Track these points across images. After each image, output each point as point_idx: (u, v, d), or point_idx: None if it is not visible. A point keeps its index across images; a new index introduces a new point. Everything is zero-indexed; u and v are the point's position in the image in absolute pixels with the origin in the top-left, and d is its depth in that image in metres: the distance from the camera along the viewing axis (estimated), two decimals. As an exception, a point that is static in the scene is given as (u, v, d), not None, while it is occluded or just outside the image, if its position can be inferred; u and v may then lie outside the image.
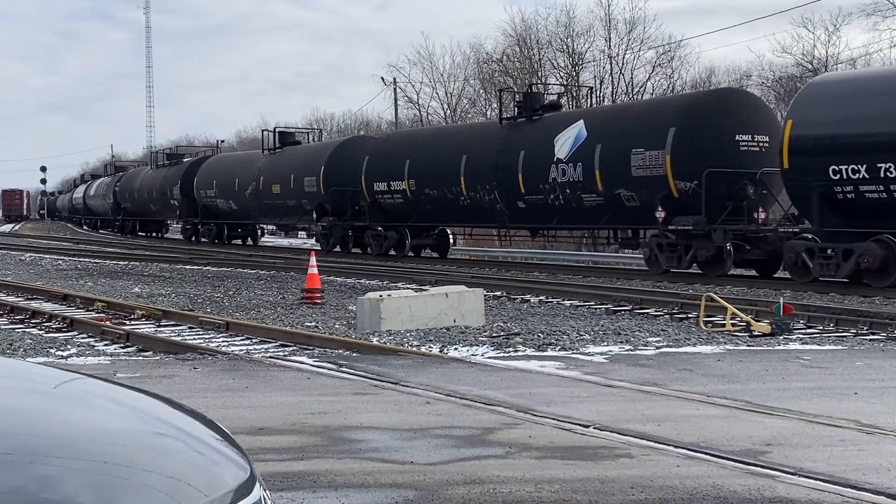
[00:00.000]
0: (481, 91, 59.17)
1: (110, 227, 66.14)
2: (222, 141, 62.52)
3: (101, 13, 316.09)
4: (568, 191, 24.52)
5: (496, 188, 26.63)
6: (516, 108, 28.70)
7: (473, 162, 27.47)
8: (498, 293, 17.98)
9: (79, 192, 76.76)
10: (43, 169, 74.35)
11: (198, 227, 46.37)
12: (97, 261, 29.20)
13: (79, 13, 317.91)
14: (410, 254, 31.04)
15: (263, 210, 39.43)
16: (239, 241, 44.86)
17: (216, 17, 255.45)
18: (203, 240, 46.04)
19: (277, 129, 42.36)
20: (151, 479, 1.90)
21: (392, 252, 31.33)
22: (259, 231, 46.85)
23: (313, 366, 9.08)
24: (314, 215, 34.73)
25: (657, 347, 10.74)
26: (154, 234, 57.95)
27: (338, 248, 34.09)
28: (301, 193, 35.42)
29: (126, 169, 67.18)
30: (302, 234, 53.69)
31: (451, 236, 33.28)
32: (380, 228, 31.81)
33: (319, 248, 34.45)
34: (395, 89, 59.00)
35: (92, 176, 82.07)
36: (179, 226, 65.53)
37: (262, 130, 43.83)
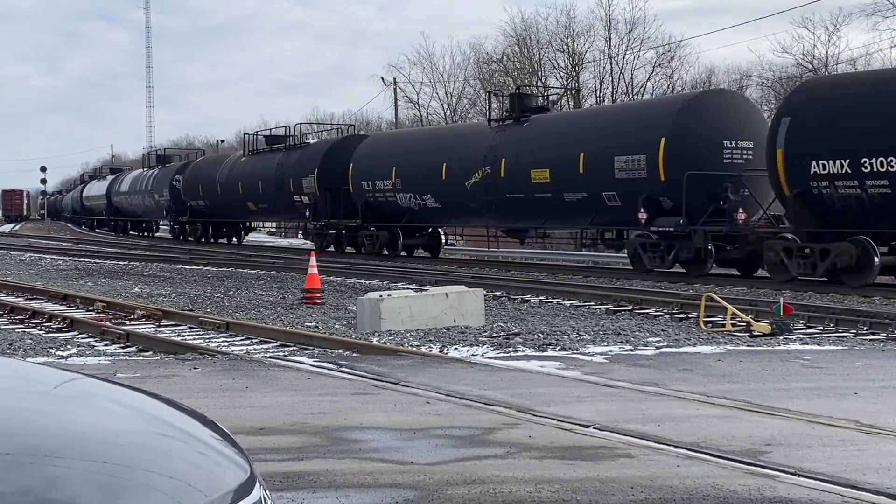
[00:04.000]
0: (481, 91, 59.20)
1: (142, 230, 57.20)
2: (222, 141, 60.90)
3: (103, 14, 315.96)
4: None
5: None
6: None
7: None
8: (498, 293, 17.97)
9: (94, 190, 67.25)
10: (43, 169, 74.03)
11: (342, 230, 32.93)
12: (97, 261, 29.20)
13: (81, 14, 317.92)
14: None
15: (503, 208, 26.27)
16: (403, 253, 30.96)
17: (218, 17, 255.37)
18: (349, 250, 32.55)
19: (520, 91, 29.78)
20: (152, 479, 1.90)
21: (844, 281, 17.91)
22: (444, 238, 33.47)
23: (313, 366, 9.08)
24: (640, 215, 21.97)
25: (657, 347, 10.74)
26: (229, 241, 44.77)
27: (678, 268, 21.67)
28: (603, 181, 23.08)
29: (171, 160, 54.58)
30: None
31: None
32: (790, 237, 19.23)
33: (633, 266, 22.92)
34: (395, 89, 59.02)
35: (111, 170, 72.91)
36: (269, 228, 56.06)
37: (488, 92, 31.92)
